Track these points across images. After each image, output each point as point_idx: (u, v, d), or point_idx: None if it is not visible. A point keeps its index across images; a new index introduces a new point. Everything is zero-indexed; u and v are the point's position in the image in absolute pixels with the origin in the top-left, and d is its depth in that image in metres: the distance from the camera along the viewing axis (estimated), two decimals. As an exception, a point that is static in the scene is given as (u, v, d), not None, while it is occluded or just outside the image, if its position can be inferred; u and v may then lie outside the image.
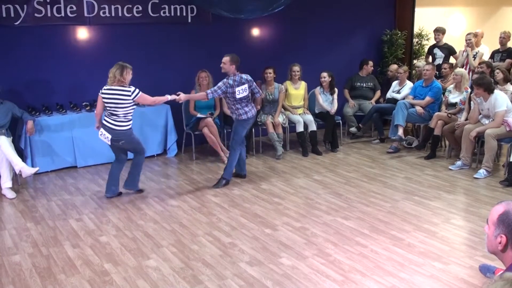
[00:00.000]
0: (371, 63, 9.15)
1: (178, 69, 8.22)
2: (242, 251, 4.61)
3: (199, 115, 7.59)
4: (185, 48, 8.27)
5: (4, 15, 6.91)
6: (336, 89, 8.29)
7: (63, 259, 4.54)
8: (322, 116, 8.26)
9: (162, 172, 7.20)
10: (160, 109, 7.82)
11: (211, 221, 5.36)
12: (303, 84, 8.25)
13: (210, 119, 7.49)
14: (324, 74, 8.19)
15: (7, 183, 6.20)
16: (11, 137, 6.55)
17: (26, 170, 6.14)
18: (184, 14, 8.18)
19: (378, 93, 9.12)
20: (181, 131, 7.97)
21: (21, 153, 6.62)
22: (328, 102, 8.24)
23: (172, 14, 8.07)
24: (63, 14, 7.28)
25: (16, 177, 6.57)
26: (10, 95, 6.87)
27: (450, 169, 7.02)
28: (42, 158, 7.01)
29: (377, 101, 9.02)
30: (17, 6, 6.97)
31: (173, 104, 7.90)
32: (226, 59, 6.31)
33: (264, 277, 4.15)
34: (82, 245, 4.81)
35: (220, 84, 6.31)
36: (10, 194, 6.17)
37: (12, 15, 6.97)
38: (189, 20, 8.22)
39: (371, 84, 9.13)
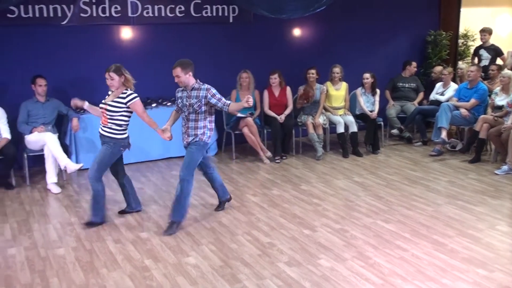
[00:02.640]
0: (414, 64, 9.00)
1: (220, 70, 8.25)
2: (281, 251, 4.60)
3: (239, 115, 7.61)
4: (226, 48, 8.32)
5: (51, 15, 7.11)
6: (378, 90, 8.19)
7: (105, 253, 4.63)
8: (363, 117, 8.16)
9: (202, 171, 7.25)
10: (201, 108, 7.87)
11: (250, 220, 5.37)
12: (344, 85, 8.17)
13: (250, 119, 7.51)
14: (366, 75, 8.10)
15: (52, 178, 6.39)
16: (57, 134, 6.74)
17: (71, 166, 6.30)
18: (226, 14, 8.22)
19: (421, 95, 8.95)
20: (221, 130, 8.02)
21: (66, 150, 6.78)
22: (369, 103, 8.14)
23: (214, 14, 8.13)
24: (108, 14, 7.44)
25: (61, 173, 6.75)
26: (56, 93, 7.06)
27: (495, 174, 6.82)
28: (86, 155, 7.16)
29: (420, 103, 8.85)
30: (64, 6, 7.16)
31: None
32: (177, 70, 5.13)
33: (302, 278, 4.12)
34: (123, 241, 4.89)
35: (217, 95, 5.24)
36: (56, 189, 6.35)
37: (59, 15, 7.16)
38: (231, 20, 8.26)
39: (414, 85, 8.97)
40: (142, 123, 7.43)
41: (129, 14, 7.57)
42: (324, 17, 8.51)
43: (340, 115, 8.04)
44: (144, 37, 7.80)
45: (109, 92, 5.31)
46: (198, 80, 5.21)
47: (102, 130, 5.20)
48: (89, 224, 5.25)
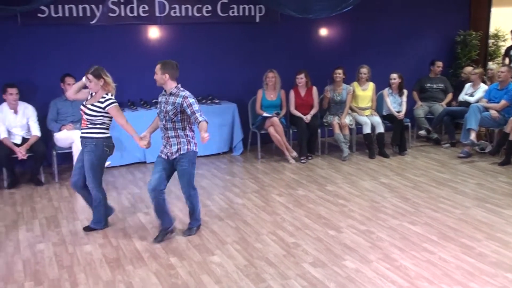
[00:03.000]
0: (438, 63, 8.86)
1: (246, 69, 8.29)
2: (306, 252, 4.58)
3: (265, 114, 7.62)
4: (253, 48, 8.33)
5: (80, 14, 7.23)
6: (405, 91, 8.09)
7: (131, 251, 4.68)
8: (390, 118, 8.08)
9: (227, 170, 7.27)
10: (227, 108, 7.92)
11: (275, 220, 5.36)
12: (371, 85, 8.09)
13: (276, 119, 7.51)
14: (394, 75, 8.01)
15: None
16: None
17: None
18: (253, 13, 8.23)
19: (450, 96, 8.82)
20: (247, 129, 8.03)
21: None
22: (396, 103, 8.05)
23: (241, 13, 8.15)
24: (135, 14, 7.53)
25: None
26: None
27: (526, 177, 6.69)
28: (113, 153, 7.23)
29: (448, 104, 8.72)
30: (93, 6, 7.27)
31: (239, 102, 8.01)
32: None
33: (327, 279, 4.10)
34: (149, 239, 4.93)
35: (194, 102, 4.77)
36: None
37: (88, 14, 7.27)
38: (257, 20, 8.27)
39: (442, 85, 8.84)
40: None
41: (157, 14, 7.64)
42: (351, 17, 8.45)
43: (366, 115, 7.97)
44: (171, 37, 7.86)
45: (92, 94, 5.04)
46: (179, 86, 4.80)
47: (82, 133, 4.99)
48: (87, 229, 5.15)
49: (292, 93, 7.85)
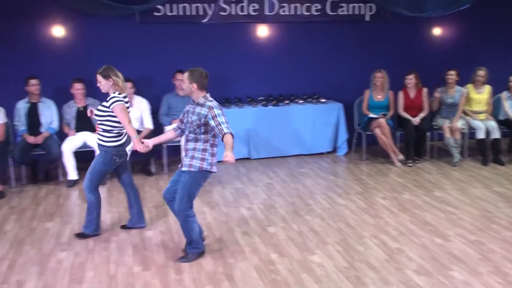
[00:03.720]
0: None
1: (353, 69, 8.16)
2: (410, 258, 4.42)
3: (371, 115, 7.45)
4: (362, 47, 8.18)
5: (193, 13, 7.50)
6: (526, 94, 7.55)
7: (234, 244, 4.78)
8: (507, 123, 7.56)
9: (331, 170, 7.20)
10: (332, 107, 7.85)
11: (378, 224, 5.22)
12: (487, 88, 7.62)
13: (382, 120, 7.32)
14: (513, 78, 7.50)
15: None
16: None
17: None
18: (362, 12, 8.08)
19: None
20: (352, 130, 7.91)
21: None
22: (515, 108, 7.54)
23: (350, 12, 8.03)
24: (245, 13, 7.68)
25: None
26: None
27: None
28: (219, 148, 7.40)
29: None
30: (205, 5, 7.51)
31: (345, 102, 7.90)
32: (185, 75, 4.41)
33: (432, 288, 3.93)
34: (251, 233, 5.01)
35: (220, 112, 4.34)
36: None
37: (201, 13, 7.53)
38: (367, 19, 8.11)
39: None
40: (273, 120, 7.59)
41: (266, 13, 7.74)
42: (465, 16, 7.97)
43: (481, 120, 7.52)
44: (279, 35, 7.92)
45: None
46: (207, 95, 4.39)
47: (97, 138, 4.86)
48: (80, 236, 4.97)
49: (401, 94, 7.60)
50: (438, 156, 7.72)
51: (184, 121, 4.46)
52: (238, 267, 4.33)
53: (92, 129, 6.81)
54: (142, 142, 4.60)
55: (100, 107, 4.78)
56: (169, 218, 5.40)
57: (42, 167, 6.73)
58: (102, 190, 6.30)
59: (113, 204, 5.92)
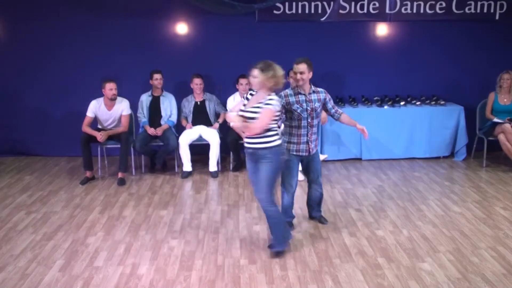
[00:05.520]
0: None
1: (477, 70, 7.73)
2: (531, 276, 4.10)
3: (495, 120, 7.00)
4: (489, 48, 7.70)
5: (312, 11, 7.50)
6: None
7: (340, 245, 4.72)
8: None
9: (447, 176, 6.86)
10: (452, 110, 7.47)
11: (497, 235, 4.89)
12: None
13: (508, 125, 6.84)
14: None
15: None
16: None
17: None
18: (492, 10, 7.59)
19: None
20: (472, 134, 7.48)
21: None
22: None
23: (478, 10, 7.58)
24: (365, 11, 7.53)
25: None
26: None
27: None
28: (330, 147, 7.40)
29: None
30: (325, 3, 7.47)
31: (466, 105, 7.50)
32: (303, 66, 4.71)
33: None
34: (358, 235, 4.92)
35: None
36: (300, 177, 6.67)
37: (319, 11, 7.50)
38: (497, 17, 7.60)
39: None
40: (388, 121, 7.37)
41: (387, 11, 7.54)
42: None
43: None
44: (399, 34, 7.68)
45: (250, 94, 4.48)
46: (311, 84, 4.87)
47: (249, 144, 4.34)
48: (277, 253, 4.52)
49: (530, 98, 7.06)
50: None
51: (299, 110, 4.71)
52: (344, 268, 4.28)
53: (208, 123, 7.08)
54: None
55: (254, 109, 4.25)
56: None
57: (160, 157, 7.07)
58: (214, 183, 6.56)
59: (223, 197, 6.10)
